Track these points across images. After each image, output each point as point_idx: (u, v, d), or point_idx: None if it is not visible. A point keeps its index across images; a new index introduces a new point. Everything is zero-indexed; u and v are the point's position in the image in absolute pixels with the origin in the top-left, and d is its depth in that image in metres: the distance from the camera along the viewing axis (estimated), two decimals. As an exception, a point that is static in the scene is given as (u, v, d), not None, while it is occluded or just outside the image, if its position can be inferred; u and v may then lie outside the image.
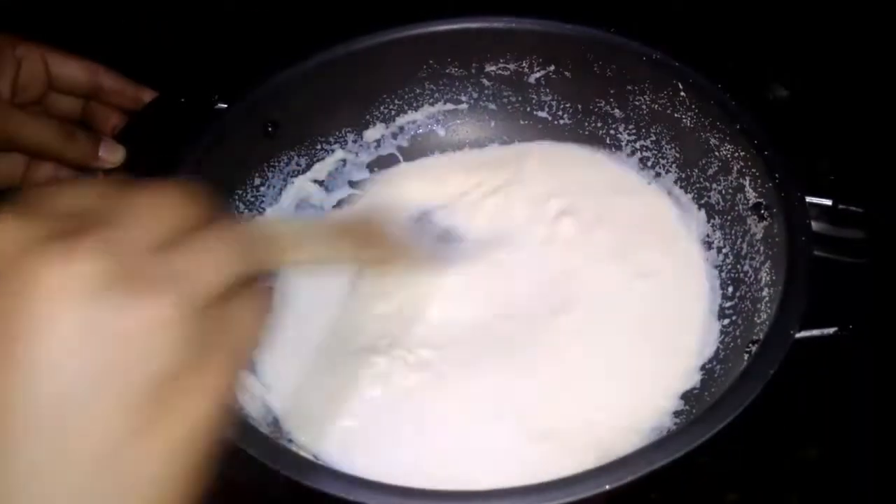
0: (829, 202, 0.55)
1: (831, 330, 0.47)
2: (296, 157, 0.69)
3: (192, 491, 0.27)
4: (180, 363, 0.26)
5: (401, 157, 0.74)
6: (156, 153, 0.61)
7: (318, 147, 0.71)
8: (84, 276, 0.24)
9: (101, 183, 0.29)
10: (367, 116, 0.72)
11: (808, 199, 0.54)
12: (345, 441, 0.53)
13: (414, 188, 0.70)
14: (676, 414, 0.53)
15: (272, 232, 0.35)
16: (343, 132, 0.72)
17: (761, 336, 0.49)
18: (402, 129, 0.73)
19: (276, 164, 0.68)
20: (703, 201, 0.65)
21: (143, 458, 0.25)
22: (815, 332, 0.48)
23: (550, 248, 0.64)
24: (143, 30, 0.82)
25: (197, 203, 0.29)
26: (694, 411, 0.52)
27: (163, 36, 0.81)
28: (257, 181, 0.66)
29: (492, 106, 0.74)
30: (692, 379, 0.55)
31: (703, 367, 0.55)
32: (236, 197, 0.65)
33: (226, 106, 0.64)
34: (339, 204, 0.71)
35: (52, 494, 0.25)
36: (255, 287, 0.30)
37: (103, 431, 0.25)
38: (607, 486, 0.41)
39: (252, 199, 0.66)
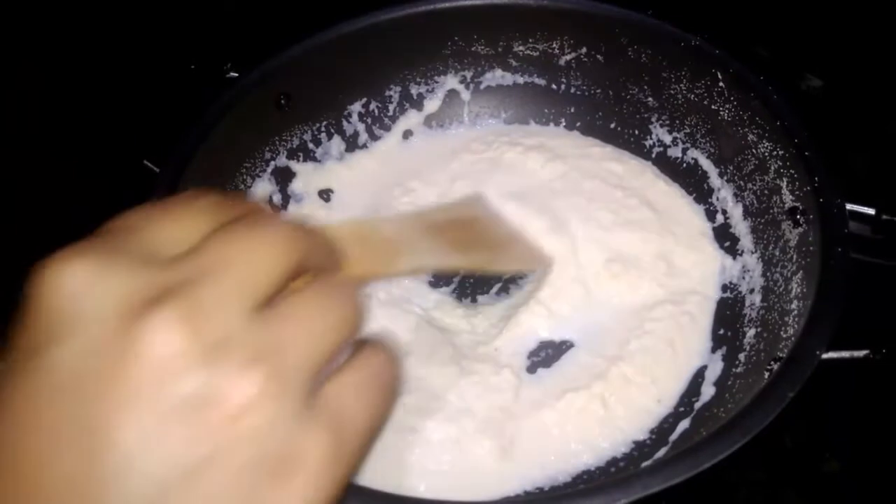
0: (871, 211, 0.51)
1: (862, 353, 0.43)
2: (308, 131, 0.66)
3: None
4: (281, 452, 0.23)
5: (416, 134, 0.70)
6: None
7: (332, 123, 0.68)
8: (186, 349, 0.22)
9: (191, 208, 0.26)
10: (387, 93, 0.69)
11: (850, 206, 0.50)
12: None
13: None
14: (685, 433, 0.50)
15: (374, 234, 0.30)
16: (359, 109, 0.68)
17: (786, 353, 0.46)
18: (421, 106, 0.70)
19: (287, 138, 0.65)
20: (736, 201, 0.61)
21: None
22: (845, 354, 0.44)
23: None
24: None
25: (303, 240, 0.26)
26: (703, 430, 0.48)
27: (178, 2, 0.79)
28: (267, 155, 0.64)
29: (518, 87, 0.70)
30: (705, 392, 0.51)
31: (716, 381, 0.51)
32: (244, 170, 0.62)
33: (237, 75, 0.61)
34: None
35: None
36: (375, 357, 0.27)
37: None
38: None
39: (260, 173, 0.64)
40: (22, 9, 0.57)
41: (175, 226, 0.25)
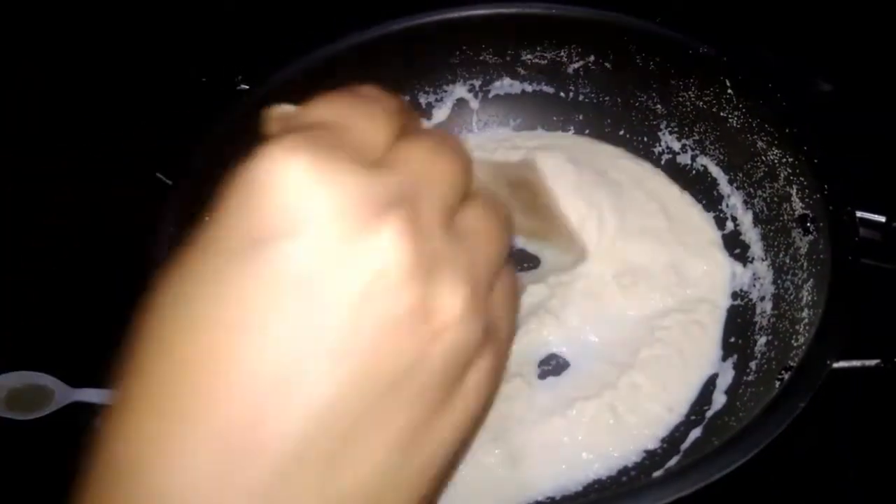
0: (882, 219, 0.51)
1: (873, 362, 0.43)
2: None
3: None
4: (466, 363, 0.25)
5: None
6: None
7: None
8: (410, 263, 0.22)
9: (380, 108, 0.26)
10: (396, 102, 0.69)
11: (860, 214, 0.50)
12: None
13: None
14: (696, 442, 0.50)
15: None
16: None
17: (796, 361, 0.46)
18: (429, 116, 0.71)
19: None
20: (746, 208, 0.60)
21: (438, 440, 0.24)
22: (856, 363, 0.43)
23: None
24: (169, 7, 0.81)
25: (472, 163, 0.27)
26: (715, 439, 0.48)
27: (189, 13, 0.80)
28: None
29: (527, 95, 0.70)
30: (716, 401, 0.51)
31: (727, 390, 0.51)
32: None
33: (248, 87, 0.62)
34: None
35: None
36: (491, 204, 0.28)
37: (399, 422, 0.23)
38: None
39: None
40: (33, 20, 0.58)
41: (371, 126, 0.25)
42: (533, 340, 0.56)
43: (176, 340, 0.22)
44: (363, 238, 0.22)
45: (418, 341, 0.23)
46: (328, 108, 0.25)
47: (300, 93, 0.63)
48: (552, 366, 0.55)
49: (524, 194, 0.40)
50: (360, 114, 0.25)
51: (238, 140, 0.59)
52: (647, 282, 0.58)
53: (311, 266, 0.22)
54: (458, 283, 0.24)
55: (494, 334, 0.26)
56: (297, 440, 0.21)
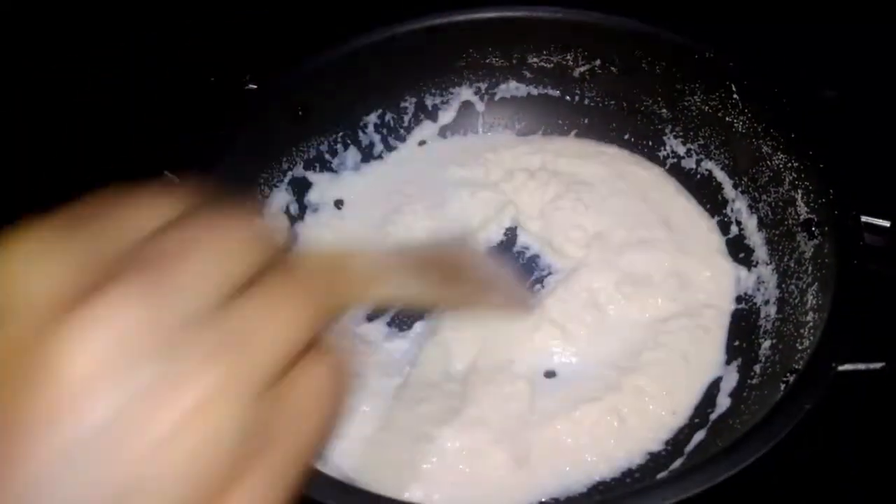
0: (886, 223, 0.51)
1: (878, 365, 0.43)
2: (325, 142, 0.67)
3: None
4: (232, 457, 0.21)
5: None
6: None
7: (348, 134, 0.68)
8: (122, 342, 0.20)
9: (156, 201, 0.24)
10: (402, 104, 0.70)
11: (865, 218, 0.50)
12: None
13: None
14: (700, 444, 0.50)
15: (345, 266, 0.29)
16: (375, 120, 0.69)
17: (801, 365, 0.46)
18: (436, 118, 0.71)
19: (305, 149, 0.66)
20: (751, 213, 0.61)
21: None
22: (861, 366, 0.44)
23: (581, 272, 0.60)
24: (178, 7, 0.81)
25: (262, 242, 0.23)
26: (719, 441, 0.48)
27: (198, 13, 0.80)
28: (285, 165, 0.65)
29: (532, 99, 0.70)
30: (720, 404, 0.51)
31: (731, 393, 0.52)
32: (262, 180, 0.63)
33: (256, 87, 0.62)
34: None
35: None
36: (325, 358, 0.25)
37: None
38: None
39: (277, 183, 0.64)
40: (43, 21, 0.59)
41: (139, 213, 0.23)
42: (537, 349, 0.56)
43: None
44: (72, 315, 0.19)
45: (168, 423, 0.20)
46: (177, 242, 0.22)
47: (306, 93, 0.64)
48: (557, 370, 0.56)
49: (451, 270, 0.40)
50: (125, 201, 0.23)
51: (246, 139, 0.59)
52: (650, 289, 0.58)
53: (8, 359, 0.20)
54: (211, 360, 0.20)
55: (293, 423, 0.23)
56: None
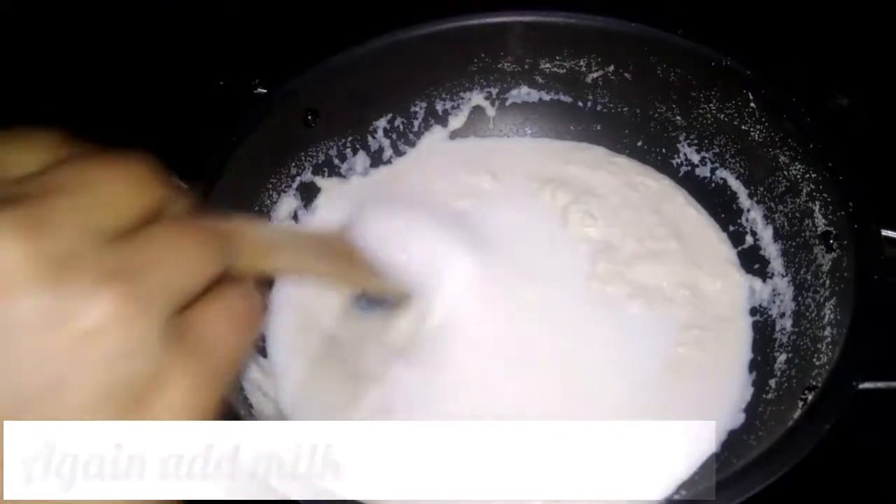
0: (908, 238, 0.50)
1: (901, 383, 0.42)
2: (334, 147, 0.66)
3: None
4: (147, 367, 0.22)
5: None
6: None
7: (357, 138, 0.68)
8: (27, 262, 0.20)
9: (54, 141, 0.25)
10: (412, 109, 0.69)
11: (885, 232, 0.49)
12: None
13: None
14: (717, 457, 0.49)
15: (250, 232, 0.31)
16: (384, 125, 0.68)
17: (819, 382, 0.45)
18: (446, 122, 0.70)
19: (314, 154, 0.65)
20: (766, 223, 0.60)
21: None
22: (881, 385, 0.43)
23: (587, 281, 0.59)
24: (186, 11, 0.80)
25: (166, 184, 0.24)
26: (733, 458, 0.47)
27: (206, 17, 0.80)
28: (293, 170, 0.64)
29: (544, 104, 0.70)
30: (735, 419, 0.50)
31: (746, 408, 0.51)
32: (270, 185, 0.62)
33: (265, 91, 0.61)
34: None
35: None
36: (236, 293, 0.26)
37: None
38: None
39: (286, 189, 0.63)
40: (52, 24, 0.58)
41: (26, 152, 0.24)
42: None
43: None
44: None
45: (60, 351, 0.21)
46: (60, 178, 0.23)
47: (316, 98, 0.63)
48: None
49: (340, 252, 0.46)
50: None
51: (255, 143, 0.58)
52: (661, 302, 0.57)
53: None
54: (105, 284, 0.21)
55: (201, 351, 0.24)
56: None
